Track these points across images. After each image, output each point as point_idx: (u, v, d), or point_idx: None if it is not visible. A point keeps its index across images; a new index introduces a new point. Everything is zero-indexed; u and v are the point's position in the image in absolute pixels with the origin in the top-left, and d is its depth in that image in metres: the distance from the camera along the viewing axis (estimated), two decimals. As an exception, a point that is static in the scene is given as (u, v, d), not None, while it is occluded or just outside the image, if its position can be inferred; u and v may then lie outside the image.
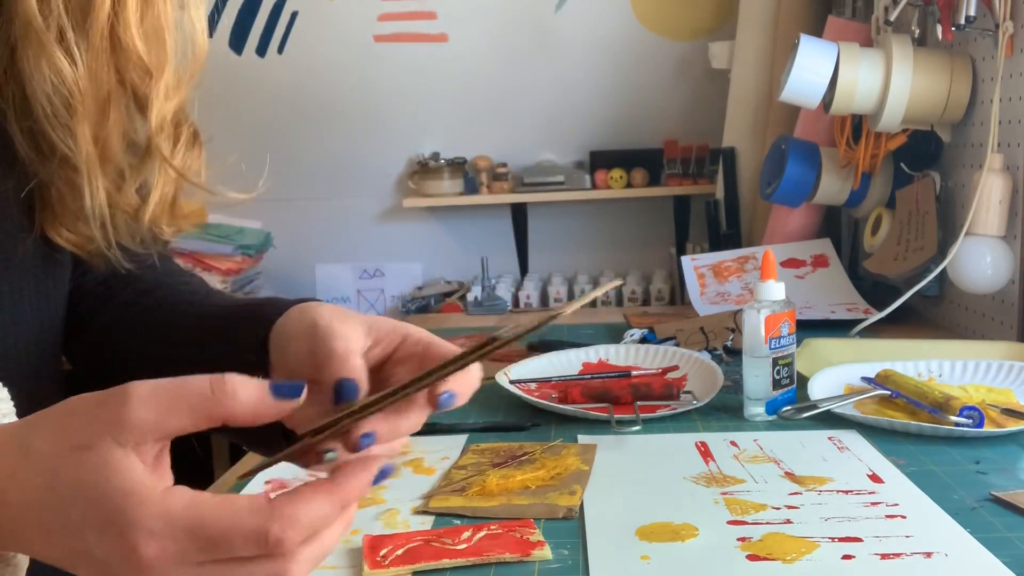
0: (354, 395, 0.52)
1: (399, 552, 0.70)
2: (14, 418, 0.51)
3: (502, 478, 0.84)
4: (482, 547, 0.71)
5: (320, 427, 0.49)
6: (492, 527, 0.74)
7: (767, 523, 0.75)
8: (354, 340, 0.56)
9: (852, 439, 0.95)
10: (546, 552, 0.70)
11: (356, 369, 0.54)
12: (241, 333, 0.62)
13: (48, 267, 0.66)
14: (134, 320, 0.72)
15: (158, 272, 0.76)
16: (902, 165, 1.59)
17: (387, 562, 0.69)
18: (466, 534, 0.73)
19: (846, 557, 0.68)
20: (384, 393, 0.50)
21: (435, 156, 2.63)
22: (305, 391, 0.47)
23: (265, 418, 0.46)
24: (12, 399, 0.55)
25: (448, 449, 0.97)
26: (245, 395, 0.45)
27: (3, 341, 0.63)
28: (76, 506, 0.44)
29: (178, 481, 0.54)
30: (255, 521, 0.44)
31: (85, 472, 0.44)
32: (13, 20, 0.56)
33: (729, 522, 0.75)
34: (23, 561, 0.48)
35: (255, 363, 0.61)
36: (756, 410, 1.03)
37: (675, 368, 1.22)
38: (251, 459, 1.00)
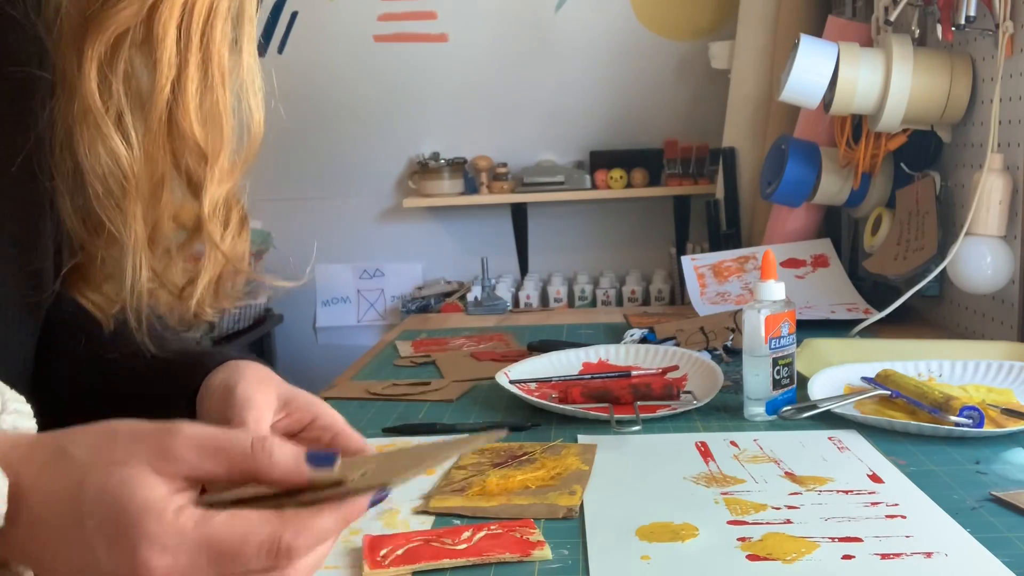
0: (331, 463, 0.49)
1: (399, 552, 0.70)
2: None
3: (502, 478, 0.84)
4: (482, 547, 0.71)
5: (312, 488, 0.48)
6: (492, 527, 0.74)
7: (767, 523, 0.75)
8: (266, 411, 0.59)
9: (852, 439, 0.95)
10: (546, 552, 0.70)
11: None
12: (180, 382, 0.64)
13: (36, 310, 0.66)
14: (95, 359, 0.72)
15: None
16: (902, 165, 1.59)
17: (387, 562, 0.69)
18: (466, 534, 0.73)
19: (846, 557, 0.68)
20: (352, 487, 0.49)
21: (435, 156, 2.63)
22: (339, 461, 0.47)
23: (293, 483, 0.47)
24: None
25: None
26: (281, 458, 0.46)
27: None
28: (93, 515, 0.44)
29: None
30: (268, 529, 0.45)
31: (112, 482, 0.45)
32: (73, 100, 0.56)
33: (729, 522, 0.75)
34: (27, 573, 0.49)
35: (185, 413, 0.63)
36: (756, 410, 1.03)
37: (675, 368, 1.22)
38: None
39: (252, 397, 0.58)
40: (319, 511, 0.46)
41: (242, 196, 0.65)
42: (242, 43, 0.63)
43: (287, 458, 0.46)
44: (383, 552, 0.70)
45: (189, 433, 0.46)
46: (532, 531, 0.73)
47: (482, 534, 0.73)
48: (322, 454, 0.47)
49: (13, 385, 0.57)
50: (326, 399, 1.22)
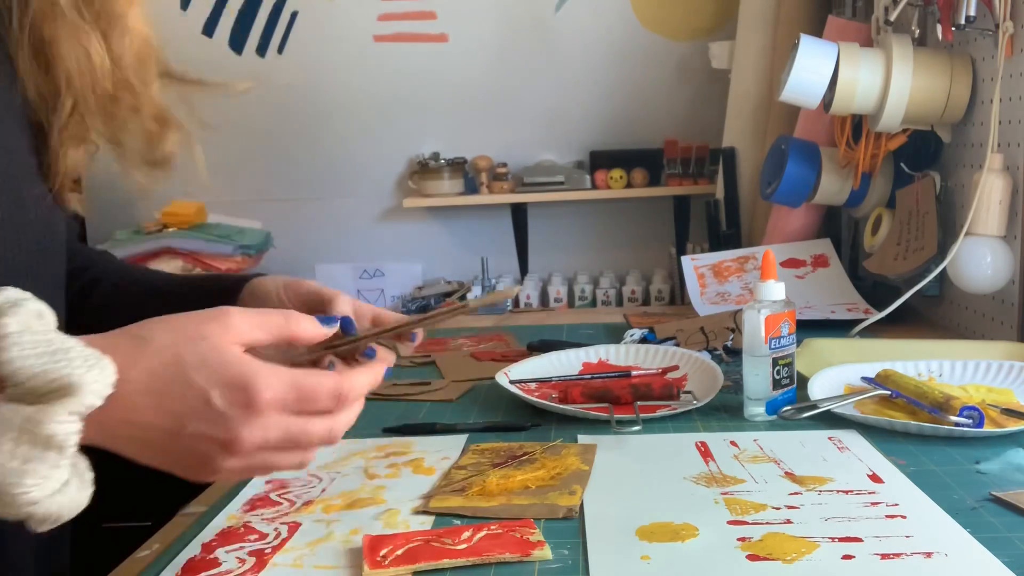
0: (354, 330, 0.75)
1: (399, 552, 0.70)
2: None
3: (502, 478, 0.84)
4: (482, 547, 0.71)
5: (341, 343, 0.73)
6: (492, 527, 0.74)
7: (767, 523, 0.75)
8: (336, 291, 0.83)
9: (852, 439, 0.95)
10: (546, 552, 0.70)
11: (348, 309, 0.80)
12: (214, 300, 0.71)
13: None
14: (115, 300, 0.91)
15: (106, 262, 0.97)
16: (902, 165, 1.59)
17: (387, 562, 0.69)
18: (466, 534, 0.73)
19: (846, 557, 0.68)
20: (380, 330, 0.75)
21: (435, 156, 2.63)
22: (338, 324, 0.70)
23: (317, 339, 0.67)
24: None
25: (448, 449, 0.97)
26: (307, 322, 0.65)
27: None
28: (202, 371, 0.57)
29: (179, 480, 0.60)
30: (333, 381, 0.62)
31: (206, 349, 0.58)
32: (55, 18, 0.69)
33: (729, 522, 0.75)
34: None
35: None
36: (756, 410, 1.03)
37: (675, 368, 1.22)
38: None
39: (317, 285, 0.85)
40: (358, 373, 0.65)
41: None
42: None
43: (311, 321, 0.65)
44: (383, 552, 0.70)
45: (237, 310, 0.61)
46: (532, 531, 0.73)
47: (482, 534, 0.73)
48: (327, 318, 0.68)
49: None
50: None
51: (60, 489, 0.52)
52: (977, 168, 1.35)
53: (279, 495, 0.86)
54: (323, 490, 0.87)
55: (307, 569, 0.71)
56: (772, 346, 1.02)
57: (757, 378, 1.03)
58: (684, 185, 2.52)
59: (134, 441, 0.57)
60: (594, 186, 2.56)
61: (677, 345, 1.35)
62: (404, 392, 1.20)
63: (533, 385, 1.18)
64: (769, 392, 1.03)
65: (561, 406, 1.08)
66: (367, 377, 0.66)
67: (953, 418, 0.93)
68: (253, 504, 0.84)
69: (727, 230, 2.13)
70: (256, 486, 0.89)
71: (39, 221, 0.72)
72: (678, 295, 2.46)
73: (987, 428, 0.93)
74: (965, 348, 1.24)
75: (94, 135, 0.76)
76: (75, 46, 0.70)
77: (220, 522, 0.80)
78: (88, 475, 0.55)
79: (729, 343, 1.33)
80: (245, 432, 0.58)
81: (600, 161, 2.57)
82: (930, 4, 1.41)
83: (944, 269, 1.34)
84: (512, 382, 1.16)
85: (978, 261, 1.29)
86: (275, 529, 0.78)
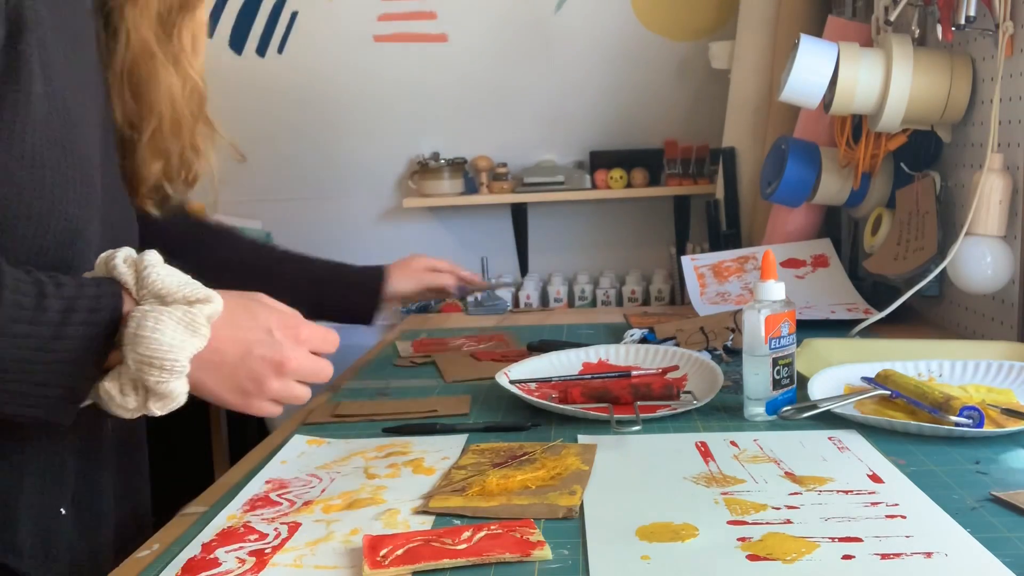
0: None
1: (399, 552, 0.70)
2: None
3: (502, 478, 0.84)
4: (482, 547, 0.71)
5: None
6: (492, 527, 0.74)
7: (767, 523, 0.75)
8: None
9: (852, 439, 0.95)
10: (546, 552, 0.70)
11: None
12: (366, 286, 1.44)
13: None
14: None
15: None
16: (902, 165, 1.59)
17: (387, 562, 0.69)
18: (466, 534, 0.73)
19: (846, 557, 0.68)
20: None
21: (435, 156, 2.63)
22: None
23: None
24: None
25: (448, 449, 0.97)
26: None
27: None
28: (263, 312, 0.81)
29: (179, 480, 0.63)
30: (334, 336, 0.86)
31: (268, 303, 0.83)
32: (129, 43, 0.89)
33: (729, 522, 0.75)
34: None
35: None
36: (756, 410, 1.03)
37: (675, 368, 1.22)
38: (251, 459, 1.00)
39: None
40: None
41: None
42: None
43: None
44: (383, 552, 0.70)
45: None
46: (532, 531, 0.73)
47: (482, 534, 0.73)
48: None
49: None
50: (339, 414, 1.21)
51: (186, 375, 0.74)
52: (977, 168, 1.35)
53: (279, 495, 0.86)
54: (323, 490, 0.87)
55: (307, 569, 0.71)
56: (772, 346, 1.02)
57: (757, 378, 1.03)
58: (684, 185, 2.52)
59: (213, 364, 0.77)
60: (594, 186, 2.56)
61: (677, 345, 1.35)
62: (406, 410, 1.16)
63: (533, 385, 1.18)
64: (769, 392, 1.03)
65: (561, 406, 1.07)
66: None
67: (953, 418, 0.93)
68: (253, 504, 0.84)
69: (727, 230, 2.13)
70: (256, 486, 0.89)
71: (128, 220, 0.94)
72: (678, 295, 2.46)
73: (987, 428, 0.93)
74: (965, 348, 1.24)
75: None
76: (161, 82, 0.91)
77: (220, 522, 0.80)
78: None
79: (729, 343, 1.33)
80: (292, 356, 0.80)
81: (600, 161, 2.57)
82: (930, 4, 1.41)
83: (944, 269, 1.34)
84: (512, 382, 1.16)
85: (978, 261, 1.29)
86: (275, 529, 0.78)
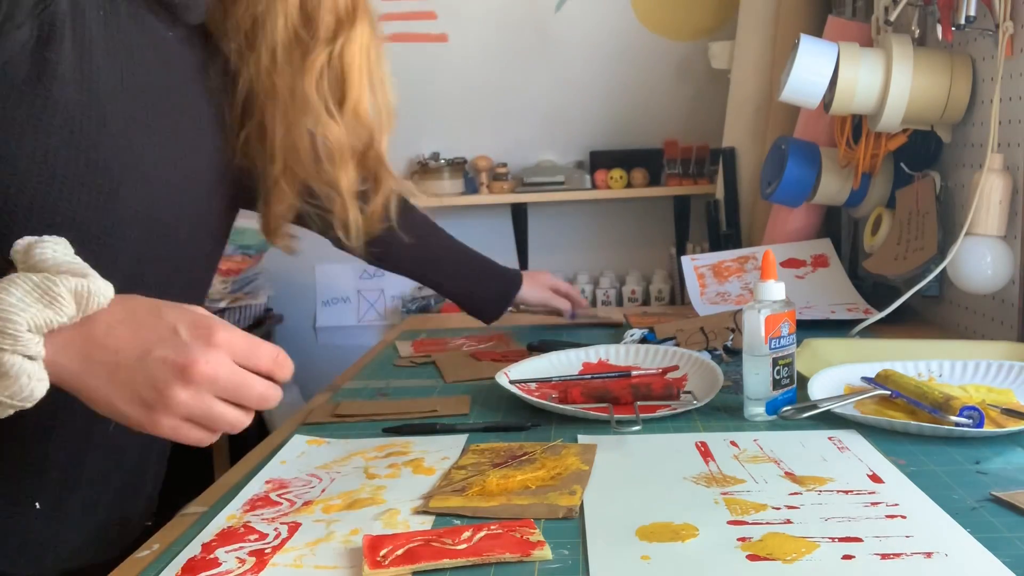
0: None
1: (399, 552, 0.70)
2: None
3: (502, 478, 0.84)
4: (482, 547, 0.71)
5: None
6: (492, 527, 0.74)
7: (767, 523, 0.75)
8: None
9: (852, 439, 0.95)
10: (546, 552, 0.70)
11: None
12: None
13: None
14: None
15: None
16: (902, 165, 1.59)
17: (387, 562, 0.69)
18: (466, 534, 0.73)
19: (846, 557, 0.68)
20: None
21: (435, 156, 2.63)
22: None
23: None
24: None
25: (448, 449, 0.97)
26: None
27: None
28: (173, 310, 0.69)
29: (178, 480, 0.63)
30: (274, 347, 0.71)
31: (180, 306, 0.70)
32: (294, 97, 0.91)
33: (729, 522, 0.75)
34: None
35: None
36: (756, 410, 1.03)
37: (675, 368, 1.22)
38: (251, 459, 1.00)
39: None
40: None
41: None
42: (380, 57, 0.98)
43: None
44: (383, 552, 0.70)
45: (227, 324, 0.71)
46: (532, 531, 0.73)
47: (482, 534, 0.73)
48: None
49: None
50: (339, 414, 1.21)
51: (35, 353, 0.64)
52: (977, 168, 1.35)
53: (279, 495, 0.86)
54: (323, 490, 0.87)
55: (307, 569, 0.71)
56: (772, 346, 1.02)
57: (757, 378, 1.03)
58: (684, 185, 2.52)
59: (105, 366, 0.66)
60: (594, 186, 2.56)
61: (677, 345, 1.35)
62: (406, 410, 1.17)
63: (533, 385, 1.18)
64: (769, 392, 1.02)
65: (561, 406, 1.07)
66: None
67: (953, 418, 0.93)
68: (253, 504, 0.84)
69: (727, 230, 2.13)
70: (256, 485, 0.89)
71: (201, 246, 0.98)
72: (678, 295, 2.46)
73: (987, 428, 0.93)
74: (965, 348, 1.24)
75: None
76: (279, 128, 0.92)
77: (220, 522, 0.80)
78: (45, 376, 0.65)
79: (729, 343, 1.33)
80: (201, 360, 0.66)
81: (600, 161, 2.57)
82: (930, 4, 1.41)
83: (944, 269, 1.34)
84: (512, 382, 1.16)
85: (978, 261, 1.29)
86: (275, 529, 0.78)
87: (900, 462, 0.87)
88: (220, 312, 2.41)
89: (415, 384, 1.29)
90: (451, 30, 2.65)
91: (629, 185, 2.55)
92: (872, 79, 1.43)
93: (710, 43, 2.37)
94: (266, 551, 0.74)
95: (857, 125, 1.64)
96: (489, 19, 2.64)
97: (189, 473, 1.04)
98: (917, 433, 0.94)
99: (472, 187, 2.62)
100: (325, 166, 0.94)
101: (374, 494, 0.85)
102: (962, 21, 1.29)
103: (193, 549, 0.74)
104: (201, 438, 0.69)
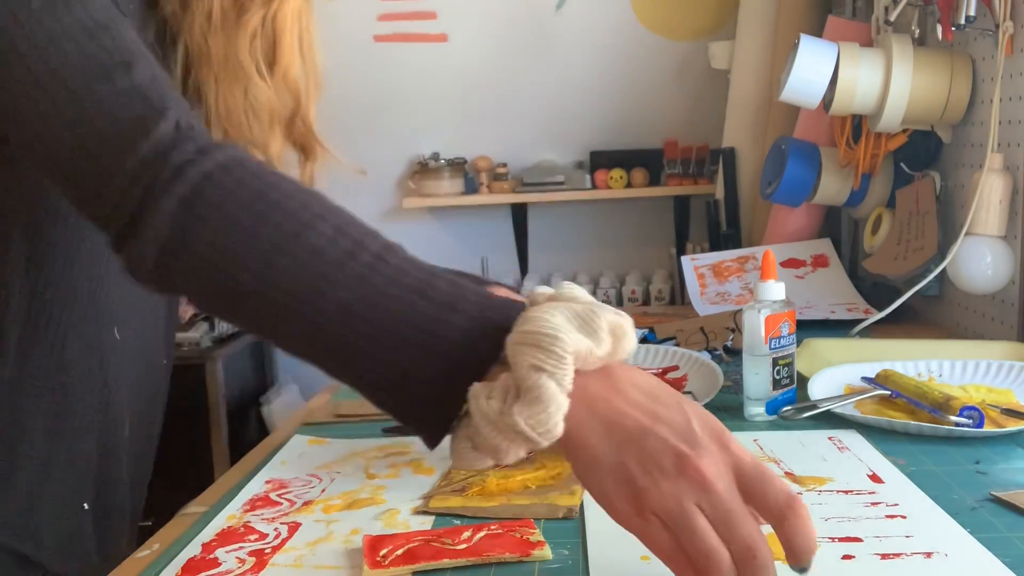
0: None
1: (399, 552, 0.70)
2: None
3: (502, 478, 0.84)
4: (482, 547, 0.71)
5: None
6: (492, 527, 0.74)
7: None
8: None
9: (852, 439, 0.95)
10: (546, 552, 0.70)
11: None
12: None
13: None
14: None
15: None
16: (902, 165, 1.59)
17: (387, 562, 0.69)
18: (466, 534, 0.73)
19: (846, 557, 0.68)
20: None
21: (435, 156, 2.63)
22: None
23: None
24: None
25: (448, 449, 0.97)
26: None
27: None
28: (685, 400, 0.60)
29: (178, 480, 0.62)
30: (787, 488, 0.56)
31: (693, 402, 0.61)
32: (226, 60, 0.86)
33: (729, 522, 0.75)
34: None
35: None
36: (756, 410, 1.03)
37: (675, 368, 1.22)
38: (251, 459, 1.00)
39: None
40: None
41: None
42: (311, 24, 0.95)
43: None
44: (383, 552, 0.70)
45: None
46: (532, 531, 0.73)
47: (482, 534, 0.73)
48: None
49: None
50: (340, 414, 1.21)
51: (568, 385, 0.57)
52: (977, 168, 1.35)
53: (279, 495, 0.86)
54: (323, 490, 0.87)
55: (307, 569, 0.71)
56: (772, 346, 1.02)
57: (757, 378, 1.03)
58: (684, 185, 2.52)
59: (606, 424, 0.58)
60: (594, 186, 2.56)
61: (677, 345, 1.34)
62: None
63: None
64: (769, 392, 1.02)
65: (561, 406, 1.07)
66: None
67: (953, 418, 0.93)
68: (253, 504, 0.84)
69: (727, 230, 2.13)
70: (255, 486, 0.89)
71: None
72: (678, 295, 2.46)
73: (987, 428, 0.93)
74: (965, 348, 1.24)
75: None
76: (223, 93, 0.87)
77: (220, 522, 0.80)
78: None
79: (729, 343, 1.33)
80: (704, 456, 0.56)
81: (600, 161, 2.57)
82: (930, 4, 1.41)
83: (944, 269, 1.34)
84: (512, 382, 1.16)
85: (978, 261, 1.29)
86: (275, 529, 0.78)
87: (900, 462, 0.87)
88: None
89: (415, 384, 1.29)
90: (451, 30, 2.65)
91: (629, 185, 2.55)
92: (872, 79, 1.43)
93: (710, 43, 2.37)
94: (266, 551, 0.74)
95: (857, 125, 1.64)
96: (489, 19, 2.64)
97: (189, 473, 1.04)
98: (917, 433, 0.94)
99: (472, 187, 2.62)
100: (256, 130, 0.91)
101: (374, 494, 0.85)
102: (962, 21, 1.29)
103: (193, 549, 0.74)
104: (662, 546, 0.57)
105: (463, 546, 0.71)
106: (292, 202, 0.63)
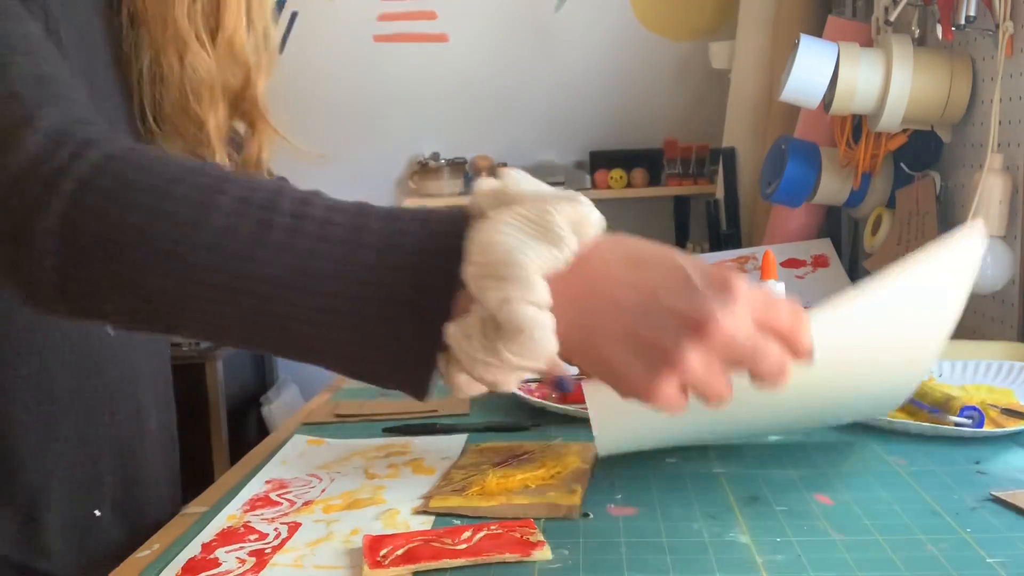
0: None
1: (399, 552, 0.70)
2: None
3: (502, 477, 0.84)
4: (482, 547, 0.71)
5: None
6: (492, 527, 0.74)
7: (767, 523, 0.75)
8: None
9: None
10: (546, 552, 0.70)
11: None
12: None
13: None
14: None
15: None
16: (902, 165, 1.59)
17: (387, 562, 0.69)
18: (466, 534, 0.73)
19: (846, 557, 0.68)
20: None
21: (435, 156, 2.63)
22: None
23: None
24: None
25: (448, 449, 0.97)
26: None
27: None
28: (682, 257, 0.57)
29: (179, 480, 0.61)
30: (790, 303, 0.59)
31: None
32: (166, 26, 0.78)
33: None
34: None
35: None
36: (756, 410, 1.03)
37: (675, 368, 1.21)
38: (251, 459, 1.00)
39: None
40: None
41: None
42: None
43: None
44: (383, 552, 0.70)
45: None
46: (532, 531, 0.73)
47: (482, 534, 0.73)
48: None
49: None
50: (340, 414, 1.21)
51: (545, 302, 0.54)
52: (977, 168, 1.35)
53: (279, 495, 0.86)
54: (323, 490, 0.87)
55: (307, 569, 0.70)
56: (772, 346, 1.02)
57: (757, 378, 1.03)
58: (684, 185, 2.52)
59: (601, 313, 0.55)
60: (594, 186, 2.56)
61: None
62: (406, 410, 1.16)
63: (533, 385, 1.18)
64: (769, 392, 1.02)
65: (561, 406, 1.07)
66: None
67: (953, 418, 0.93)
68: (253, 504, 0.84)
69: (727, 230, 2.13)
70: (255, 485, 0.89)
71: None
72: (678, 295, 2.46)
73: (987, 428, 0.92)
74: (965, 348, 1.24)
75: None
76: (156, 59, 0.80)
77: (220, 522, 0.80)
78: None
79: (729, 343, 1.33)
80: (720, 314, 0.53)
81: (600, 161, 2.57)
82: (930, 4, 1.41)
83: (944, 269, 1.34)
84: (512, 382, 1.15)
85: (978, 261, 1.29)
86: (275, 529, 0.78)
87: (900, 462, 0.87)
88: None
89: (415, 384, 1.29)
90: (451, 30, 2.65)
91: (629, 185, 2.55)
92: (872, 79, 1.43)
93: (710, 43, 2.37)
94: (266, 551, 0.74)
95: (857, 125, 1.64)
96: (489, 19, 2.64)
97: (189, 473, 1.04)
98: (917, 433, 0.94)
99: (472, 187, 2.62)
100: (192, 103, 0.81)
101: (374, 494, 0.85)
102: (962, 21, 1.29)
103: (193, 549, 0.74)
104: (679, 405, 0.56)
105: (463, 546, 0.71)
106: (182, 185, 0.55)
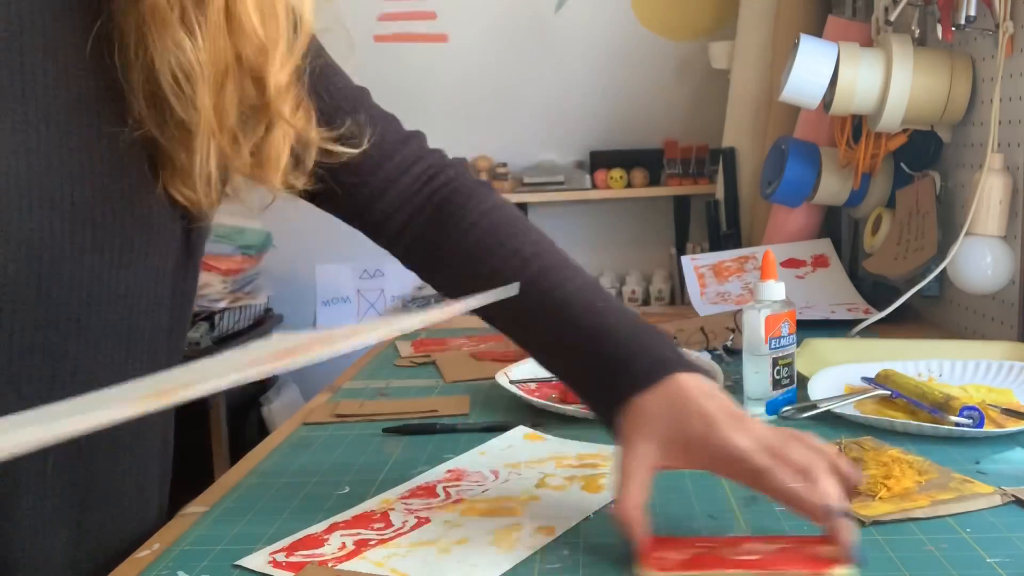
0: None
1: (679, 557, 0.66)
2: None
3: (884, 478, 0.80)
4: (775, 561, 0.65)
5: None
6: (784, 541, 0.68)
7: (768, 523, 0.74)
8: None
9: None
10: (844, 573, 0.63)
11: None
12: (606, 384, 0.76)
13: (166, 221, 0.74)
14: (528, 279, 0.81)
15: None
16: (902, 165, 1.59)
17: (666, 564, 0.64)
18: (755, 546, 0.68)
19: (847, 557, 0.68)
20: None
21: (435, 156, 2.63)
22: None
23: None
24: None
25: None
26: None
27: (142, 292, 0.73)
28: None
29: (178, 480, 0.58)
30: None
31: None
32: (140, 1, 0.65)
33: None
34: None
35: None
36: (756, 410, 1.03)
37: (675, 368, 1.21)
38: (251, 459, 1.00)
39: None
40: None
41: (302, 77, 0.75)
42: None
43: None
44: (662, 554, 0.66)
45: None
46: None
47: (775, 547, 0.67)
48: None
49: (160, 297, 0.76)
50: (340, 414, 1.21)
51: None
52: (977, 168, 1.35)
53: (444, 486, 0.82)
54: (484, 490, 0.82)
55: (385, 570, 0.67)
56: (772, 346, 1.02)
57: (757, 378, 1.03)
58: (684, 185, 2.52)
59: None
60: (594, 186, 2.56)
61: (677, 345, 1.34)
62: (406, 410, 1.16)
63: (533, 385, 1.18)
64: (769, 392, 1.02)
65: (561, 406, 1.07)
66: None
67: (953, 418, 0.93)
68: (414, 491, 0.81)
69: (727, 230, 2.13)
70: (437, 473, 0.85)
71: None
72: (678, 295, 2.46)
73: (987, 428, 0.93)
74: (965, 348, 1.24)
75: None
76: (143, 40, 0.66)
77: (372, 504, 0.77)
78: None
79: (729, 343, 1.33)
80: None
81: (600, 161, 2.57)
82: (930, 4, 1.41)
83: (944, 269, 1.34)
84: (512, 382, 1.16)
85: (978, 261, 1.29)
86: (404, 521, 0.74)
87: (900, 462, 0.87)
88: (220, 313, 2.41)
89: (415, 384, 1.29)
90: (451, 30, 2.65)
91: (629, 185, 2.55)
92: (872, 79, 1.43)
93: (710, 43, 2.37)
94: (371, 541, 0.71)
95: (857, 125, 1.64)
96: (489, 19, 2.64)
97: (189, 473, 1.03)
98: (917, 433, 0.94)
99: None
100: (187, 93, 0.67)
101: (522, 506, 0.78)
102: (962, 21, 1.29)
103: (320, 526, 0.73)
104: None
105: (752, 557, 0.65)
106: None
